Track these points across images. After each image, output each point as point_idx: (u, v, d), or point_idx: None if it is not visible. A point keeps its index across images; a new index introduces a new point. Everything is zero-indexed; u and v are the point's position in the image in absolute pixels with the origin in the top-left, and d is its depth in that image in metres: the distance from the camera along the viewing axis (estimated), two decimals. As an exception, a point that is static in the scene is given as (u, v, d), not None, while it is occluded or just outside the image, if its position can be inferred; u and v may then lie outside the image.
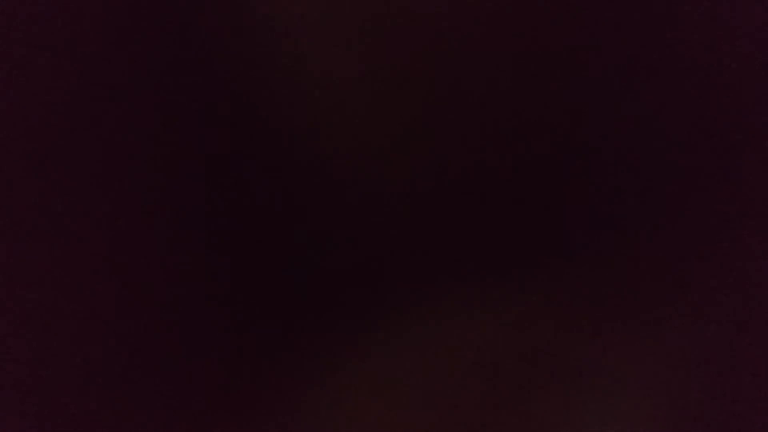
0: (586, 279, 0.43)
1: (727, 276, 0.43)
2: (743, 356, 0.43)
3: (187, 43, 0.43)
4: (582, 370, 0.42)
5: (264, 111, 0.43)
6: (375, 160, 0.43)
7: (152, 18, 0.43)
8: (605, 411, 0.42)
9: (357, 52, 0.43)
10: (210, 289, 0.42)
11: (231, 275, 0.42)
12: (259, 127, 0.43)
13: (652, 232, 0.43)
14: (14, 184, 0.43)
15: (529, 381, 0.42)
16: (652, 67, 0.43)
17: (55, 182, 0.42)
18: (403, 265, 0.43)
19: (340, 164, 0.43)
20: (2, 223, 0.42)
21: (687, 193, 0.43)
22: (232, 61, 0.43)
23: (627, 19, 0.43)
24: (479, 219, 0.43)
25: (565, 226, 0.43)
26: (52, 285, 0.42)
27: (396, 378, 0.42)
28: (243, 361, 0.42)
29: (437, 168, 0.43)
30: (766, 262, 0.43)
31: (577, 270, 0.43)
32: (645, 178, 0.43)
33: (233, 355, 0.42)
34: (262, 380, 0.42)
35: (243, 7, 0.43)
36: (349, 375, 0.43)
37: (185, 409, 0.42)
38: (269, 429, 0.42)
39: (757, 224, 0.43)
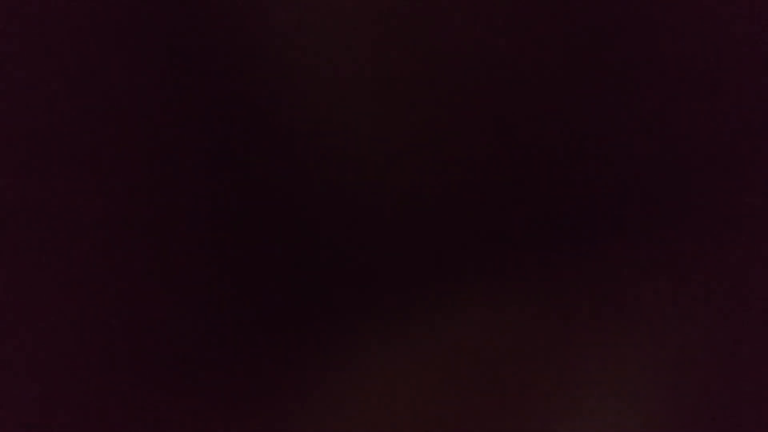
0: (586, 279, 0.43)
1: (727, 275, 0.43)
2: (743, 356, 0.43)
3: (189, 44, 0.43)
4: (582, 370, 0.42)
5: (266, 112, 0.43)
6: (375, 161, 0.43)
7: (154, 18, 0.43)
8: (605, 411, 0.43)
9: (359, 53, 0.43)
10: (210, 290, 0.42)
11: (232, 276, 0.42)
12: (262, 128, 0.43)
13: (652, 232, 0.43)
14: (16, 184, 0.43)
15: (529, 381, 0.42)
16: (653, 67, 0.43)
17: (58, 182, 0.43)
18: (403, 265, 0.43)
19: (341, 164, 0.43)
20: (3, 222, 0.43)
21: (687, 193, 0.43)
22: (235, 62, 0.43)
23: (628, 19, 0.43)
24: (479, 219, 0.43)
25: (565, 226, 0.43)
26: (54, 285, 0.42)
27: (396, 378, 0.42)
28: (244, 361, 0.42)
29: (437, 168, 0.43)
30: (767, 262, 0.43)
31: (576, 270, 0.43)
32: (645, 179, 0.43)
33: (234, 355, 0.42)
34: (262, 380, 0.42)
35: (246, 7, 0.43)
36: (348, 375, 0.43)
37: (185, 409, 0.42)
38: (269, 429, 0.42)
39: (757, 224, 0.43)
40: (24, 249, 0.42)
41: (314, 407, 0.43)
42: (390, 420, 0.42)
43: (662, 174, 0.43)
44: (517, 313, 0.43)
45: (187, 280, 0.42)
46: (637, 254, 0.43)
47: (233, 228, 0.43)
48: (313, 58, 0.43)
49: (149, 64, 0.43)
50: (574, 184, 0.43)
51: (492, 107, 0.43)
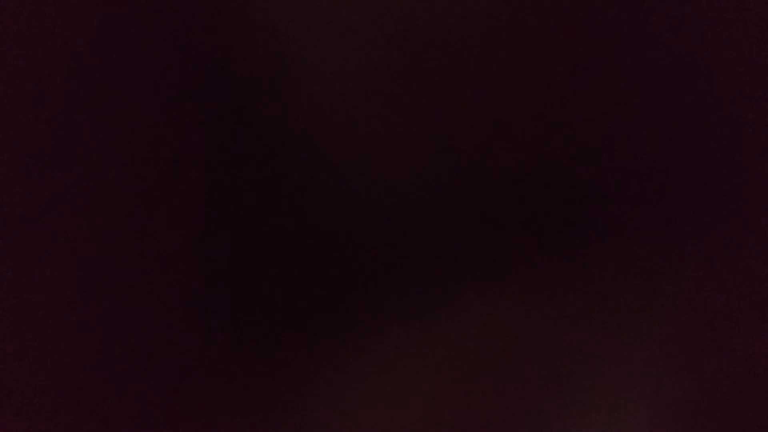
0: (587, 278, 0.43)
1: (726, 274, 0.43)
2: (743, 356, 0.43)
3: (187, 43, 0.43)
4: (583, 369, 0.43)
5: (266, 111, 0.43)
6: (375, 161, 0.43)
7: (154, 17, 0.43)
8: (605, 410, 0.43)
9: (359, 52, 0.43)
10: (211, 289, 0.42)
11: (232, 276, 0.42)
12: (262, 127, 0.43)
13: (652, 231, 0.43)
14: (15, 184, 0.42)
15: (529, 380, 0.42)
16: (652, 67, 0.43)
17: (56, 182, 0.42)
18: (403, 265, 0.43)
19: (341, 164, 0.43)
20: (2, 222, 0.42)
21: (686, 193, 0.43)
22: (233, 61, 0.43)
23: (629, 19, 0.43)
24: (480, 219, 0.43)
25: (565, 225, 0.43)
26: (52, 285, 0.42)
27: (396, 378, 0.42)
28: (243, 362, 0.42)
29: (438, 168, 0.43)
30: (766, 260, 0.43)
31: (577, 269, 0.43)
32: (644, 178, 0.43)
33: (233, 356, 0.42)
34: (261, 380, 0.42)
35: (245, 6, 0.43)
36: (349, 375, 0.43)
37: (185, 409, 0.42)
38: (269, 429, 0.42)
39: (757, 223, 0.43)
40: (23, 250, 0.42)
41: (314, 407, 0.43)
42: (390, 420, 0.42)
43: (662, 174, 0.43)
44: (518, 313, 0.43)
45: (187, 281, 0.42)
46: (637, 254, 0.43)
47: (233, 228, 0.42)
48: (314, 57, 0.43)
49: (149, 64, 0.43)
50: (573, 184, 0.43)
51: (490, 108, 0.43)
